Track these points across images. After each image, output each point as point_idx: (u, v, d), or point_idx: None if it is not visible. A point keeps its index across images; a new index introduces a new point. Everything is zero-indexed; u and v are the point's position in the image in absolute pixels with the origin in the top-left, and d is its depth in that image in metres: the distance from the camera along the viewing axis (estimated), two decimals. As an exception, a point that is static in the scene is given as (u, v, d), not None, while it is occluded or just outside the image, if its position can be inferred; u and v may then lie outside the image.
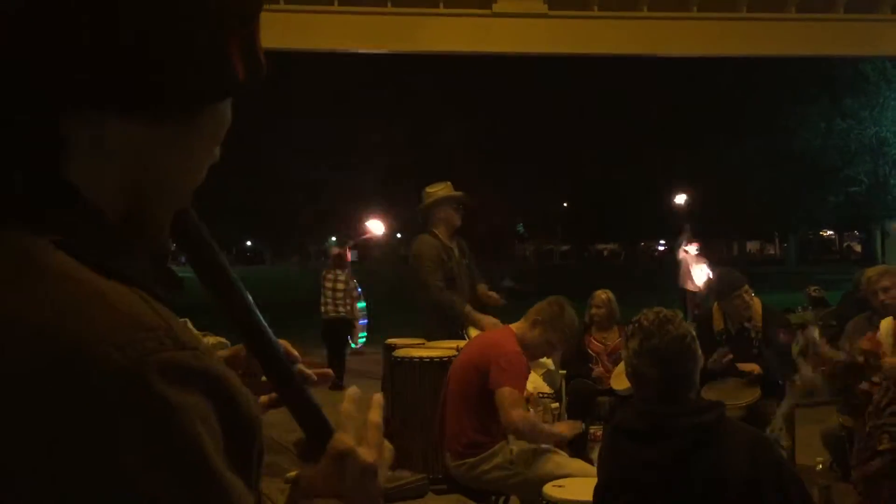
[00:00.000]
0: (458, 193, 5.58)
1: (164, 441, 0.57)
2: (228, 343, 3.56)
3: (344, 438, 0.82)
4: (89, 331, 0.58)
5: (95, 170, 0.67)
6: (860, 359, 4.04)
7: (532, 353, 3.94)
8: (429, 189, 5.61)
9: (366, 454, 0.83)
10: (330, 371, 1.07)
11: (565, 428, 3.90)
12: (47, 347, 0.57)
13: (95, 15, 0.64)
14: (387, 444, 0.88)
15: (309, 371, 0.98)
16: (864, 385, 4.13)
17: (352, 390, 0.89)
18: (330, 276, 9.81)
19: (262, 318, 0.86)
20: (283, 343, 0.93)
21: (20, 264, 0.61)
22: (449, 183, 5.60)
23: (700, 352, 2.35)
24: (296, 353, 0.97)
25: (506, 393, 3.66)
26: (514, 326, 4.00)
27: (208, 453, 0.59)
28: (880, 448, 3.67)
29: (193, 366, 0.60)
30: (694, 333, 2.35)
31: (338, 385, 9.71)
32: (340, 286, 9.74)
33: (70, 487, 0.56)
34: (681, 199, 25.72)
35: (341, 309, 9.72)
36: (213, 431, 0.60)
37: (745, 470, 2.17)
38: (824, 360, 4.78)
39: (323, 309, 9.73)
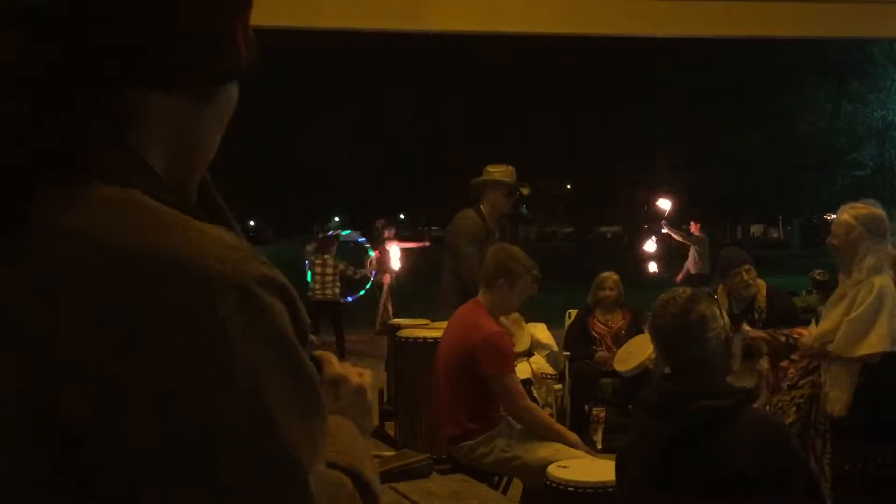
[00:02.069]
0: (511, 180, 5.49)
1: (267, 332, 0.68)
2: None
3: (335, 368, 1.02)
4: (190, 249, 0.67)
5: (146, 141, 0.75)
6: (782, 338, 4.20)
7: (509, 308, 3.94)
8: (489, 167, 5.55)
9: (357, 379, 1.02)
10: None
11: (570, 436, 3.78)
12: (155, 264, 0.65)
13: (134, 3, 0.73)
14: (366, 371, 1.06)
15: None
16: (784, 362, 4.27)
17: (323, 352, 1.05)
18: (318, 260, 10.01)
19: None
20: None
21: (121, 203, 0.69)
22: (511, 168, 5.53)
23: (719, 333, 2.31)
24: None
25: (501, 385, 3.64)
26: (479, 298, 3.92)
27: (294, 343, 0.71)
28: (788, 421, 3.83)
29: (276, 278, 0.71)
30: (706, 314, 2.30)
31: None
32: (329, 270, 9.92)
33: (186, 373, 0.64)
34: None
35: (328, 291, 9.88)
36: (290, 326, 0.71)
37: (746, 461, 2.15)
38: (753, 342, 4.84)
39: (311, 293, 9.90)
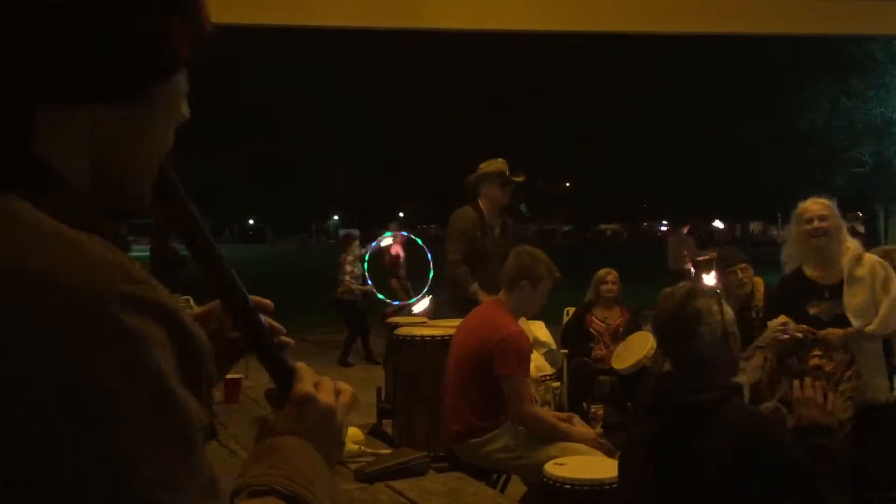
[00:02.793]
0: (504, 171, 5.52)
1: (125, 361, 0.63)
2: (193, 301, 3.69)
3: (304, 387, 0.96)
4: (55, 266, 0.63)
5: (62, 146, 0.73)
6: (798, 335, 4.04)
7: (530, 309, 3.92)
8: (482, 165, 5.58)
9: (324, 399, 0.97)
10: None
11: (578, 432, 3.76)
12: (17, 285, 0.63)
13: (33, 10, 0.70)
14: (345, 386, 1.01)
15: (278, 325, 1.04)
16: (814, 360, 4.19)
17: (302, 365, 1.00)
18: (349, 257, 10.09)
19: (233, 272, 0.95)
20: (256, 299, 1.01)
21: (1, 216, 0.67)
22: (502, 160, 5.57)
23: (714, 329, 2.26)
24: (268, 302, 1.05)
25: (511, 386, 3.63)
26: (502, 297, 3.93)
27: (164, 372, 0.65)
28: (847, 416, 3.67)
29: (153, 300, 0.66)
30: (701, 309, 2.28)
31: (346, 363, 9.81)
32: (348, 268, 9.99)
33: (41, 394, 0.61)
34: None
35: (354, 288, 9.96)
36: (168, 357, 0.66)
37: (730, 456, 2.12)
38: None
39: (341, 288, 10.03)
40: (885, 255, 4.65)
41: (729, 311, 2.36)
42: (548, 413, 3.87)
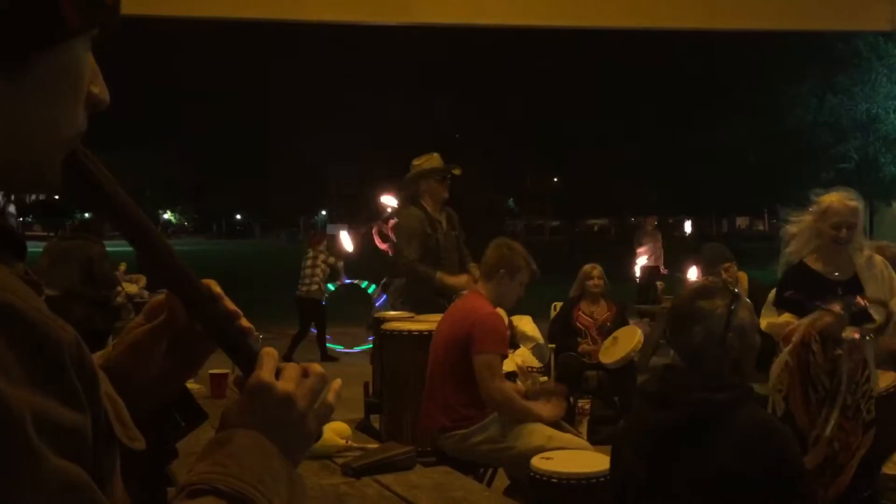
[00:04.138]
0: (441, 165, 5.50)
1: None
2: None
3: (259, 374, 0.88)
4: None
5: None
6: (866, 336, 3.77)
7: (508, 300, 3.93)
8: (415, 161, 5.56)
9: (283, 386, 0.88)
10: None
11: (547, 411, 3.77)
12: None
13: None
14: (316, 369, 0.92)
15: (236, 309, 0.97)
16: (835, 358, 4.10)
17: (268, 349, 0.93)
18: (310, 253, 10.02)
19: (178, 257, 0.89)
20: (208, 282, 0.95)
21: None
22: (436, 154, 5.53)
23: (714, 327, 2.25)
24: (219, 290, 0.96)
25: (483, 361, 3.63)
26: (479, 289, 3.96)
27: None
28: (871, 418, 3.58)
29: None
30: (705, 307, 2.27)
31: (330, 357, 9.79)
32: (319, 264, 9.94)
33: None
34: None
35: (313, 287, 9.91)
36: (1, 359, 0.60)
37: (737, 459, 2.13)
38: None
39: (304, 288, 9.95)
40: (879, 251, 4.69)
41: (744, 316, 2.30)
42: (517, 393, 3.83)
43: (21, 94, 0.69)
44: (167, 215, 59.29)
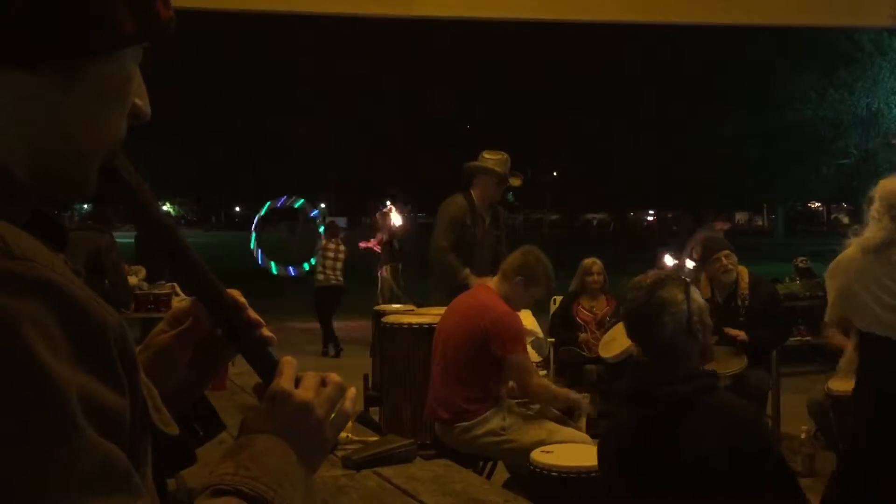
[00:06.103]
0: (501, 170, 5.40)
1: None
2: None
3: (279, 382, 0.91)
4: None
5: None
6: None
7: (514, 305, 3.93)
8: (485, 153, 5.48)
9: (301, 394, 0.91)
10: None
11: (575, 394, 4.03)
12: None
13: None
14: (334, 378, 0.95)
15: (258, 318, 0.99)
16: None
17: (287, 358, 0.95)
18: (331, 245, 10.00)
19: (205, 265, 0.92)
20: (233, 292, 0.97)
21: None
22: (507, 157, 5.43)
23: (679, 318, 2.23)
24: (243, 300, 0.98)
25: (516, 362, 3.71)
26: (490, 283, 3.96)
27: (37, 352, 0.59)
28: None
29: (25, 275, 0.62)
30: (666, 298, 2.25)
31: (338, 351, 9.76)
32: (341, 255, 9.93)
33: None
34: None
35: (332, 278, 9.86)
36: (51, 336, 0.61)
37: (712, 447, 2.11)
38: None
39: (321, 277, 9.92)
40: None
41: (698, 299, 2.31)
42: (549, 383, 4.14)
43: (70, 96, 0.71)
44: (166, 207, 59.37)
